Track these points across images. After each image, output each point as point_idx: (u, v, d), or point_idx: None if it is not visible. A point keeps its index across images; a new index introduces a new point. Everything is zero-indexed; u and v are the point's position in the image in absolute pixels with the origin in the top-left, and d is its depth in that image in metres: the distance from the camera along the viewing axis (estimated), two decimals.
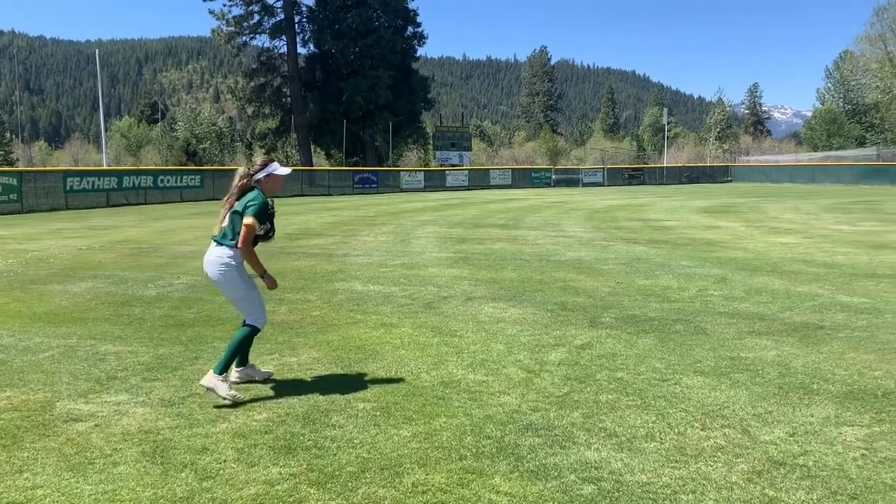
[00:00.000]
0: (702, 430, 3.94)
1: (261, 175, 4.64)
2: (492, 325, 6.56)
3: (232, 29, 50.45)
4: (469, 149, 56.10)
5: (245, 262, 4.62)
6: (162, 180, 31.90)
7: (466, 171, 48.07)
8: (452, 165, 50.11)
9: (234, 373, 4.80)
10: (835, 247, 12.57)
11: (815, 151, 73.90)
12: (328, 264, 10.72)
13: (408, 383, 4.82)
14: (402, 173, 44.90)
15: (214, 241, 4.63)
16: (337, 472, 3.43)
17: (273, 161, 4.76)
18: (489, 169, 52.75)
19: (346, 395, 4.57)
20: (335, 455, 3.64)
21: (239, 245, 4.47)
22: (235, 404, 4.38)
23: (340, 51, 50.36)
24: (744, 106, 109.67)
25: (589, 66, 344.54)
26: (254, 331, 4.67)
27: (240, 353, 4.66)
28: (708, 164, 68.01)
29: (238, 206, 4.54)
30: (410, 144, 61.10)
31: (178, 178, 33.00)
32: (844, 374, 4.97)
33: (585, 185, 51.19)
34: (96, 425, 4.09)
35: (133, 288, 8.72)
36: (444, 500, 3.15)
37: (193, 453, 3.68)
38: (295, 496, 3.20)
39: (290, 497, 3.19)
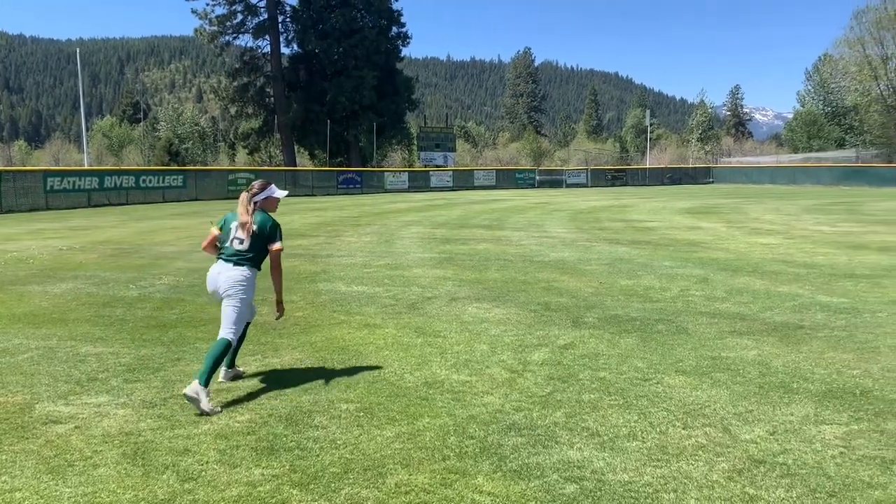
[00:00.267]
0: (683, 429, 3.97)
1: (260, 197, 4.92)
2: (475, 326, 6.57)
3: (215, 28, 50.13)
4: (453, 149, 56.14)
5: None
6: (144, 180, 31.66)
7: (451, 172, 48.10)
8: (437, 166, 50.14)
9: (221, 372, 4.94)
10: (815, 247, 12.71)
11: (795, 153, 74.65)
12: (312, 265, 10.69)
13: (391, 384, 4.82)
14: (386, 174, 44.86)
15: (232, 262, 4.77)
16: (320, 473, 3.42)
17: (271, 184, 5.06)
18: (473, 170, 52.77)
19: (330, 396, 4.56)
20: (318, 456, 3.63)
21: (273, 269, 4.85)
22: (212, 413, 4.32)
23: (324, 51, 50.20)
24: (725, 108, 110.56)
25: (572, 68, 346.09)
26: (227, 345, 4.70)
27: (220, 364, 4.65)
28: (690, 166, 68.47)
29: (258, 229, 4.78)
30: (395, 145, 61.06)
31: (161, 178, 32.76)
32: (824, 373, 5.02)
33: (569, 185, 51.38)
34: (76, 427, 4.05)
35: (114, 289, 8.65)
36: (427, 500, 3.16)
37: (175, 455, 3.66)
38: (277, 497, 3.19)
39: (272, 498, 3.18)
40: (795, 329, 6.37)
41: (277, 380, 4.95)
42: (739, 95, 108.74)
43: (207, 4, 49.68)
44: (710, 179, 59.15)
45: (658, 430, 3.96)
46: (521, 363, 5.31)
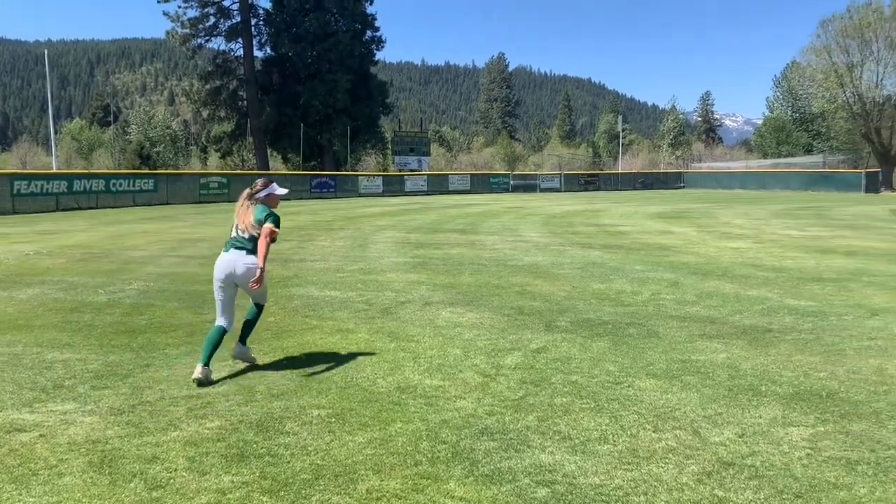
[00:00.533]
0: (653, 431, 4.01)
1: (262, 194, 5.44)
2: (449, 330, 6.57)
3: (187, 31, 49.70)
4: (428, 154, 56.13)
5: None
6: (114, 184, 31.19)
7: (425, 176, 48.11)
8: (411, 170, 50.10)
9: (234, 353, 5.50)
10: (783, 251, 12.90)
11: (764, 158, 75.90)
12: (284, 269, 10.62)
13: (363, 389, 4.80)
14: (360, 178, 44.73)
15: (245, 250, 5.25)
16: (290, 480, 3.39)
17: (272, 182, 5.62)
18: (448, 174, 52.87)
19: (301, 402, 4.53)
20: (289, 462, 3.60)
21: (261, 236, 5.19)
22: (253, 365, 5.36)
23: (298, 54, 49.99)
24: (696, 114, 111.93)
25: (546, 74, 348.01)
26: (262, 309, 5.60)
27: (255, 324, 5.53)
28: (662, 171, 69.22)
29: (257, 215, 5.29)
30: (369, 149, 60.99)
31: (132, 182, 32.32)
32: (791, 375, 5.10)
33: (543, 190, 51.66)
34: (41, 435, 3.97)
35: (83, 294, 8.51)
36: None
37: (143, 462, 3.61)
38: None
39: None
40: (764, 332, 6.46)
41: (248, 386, 4.91)
42: (710, 101, 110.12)
43: (179, 7, 49.24)
44: (682, 184, 59.84)
45: (629, 433, 3.99)
46: (493, 367, 5.31)
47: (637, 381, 4.95)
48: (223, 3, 50.03)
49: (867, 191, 47.71)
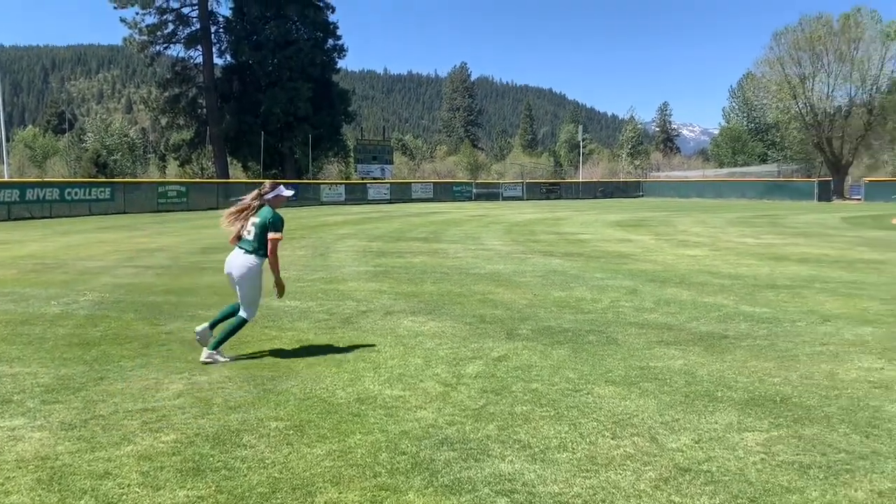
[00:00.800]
0: (612, 438, 4.04)
1: (269, 195, 5.90)
2: (410, 340, 6.55)
3: (145, 38, 48.99)
4: (391, 162, 56.08)
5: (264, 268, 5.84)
6: (69, 193, 30.56)
7: (388, 185, 48.08)
8: (374, 179, 50.00)
9: (198, 327, 5.91)
10: (739, 259, 13.15)
11: (721, 167, 77.49)
12: None
13: (323, 400, 4.75)
14: (322, 186, 44.47)
15: (243, 250, 5.75)
16: (247, 494, 3.34)
17: (280, 184, 6.07)
18: (411, 182, 52.87)
19: (259, 414, 4.46)
20: (245, 476, 3.54)
21: (269, 254, 5.72)
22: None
23: (258, 62, 49.59)
24: (654, 124, 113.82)
25: (508, 83, 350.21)
26: (244, 322, 5.82)
27: (231, 336, 5.78)
28: (621, 180, 70.23)
29: (259, 221, 5.76)
30: (331, 157, 60.65)
31: (87, 190, 31.70)
32: (746, 381, 5.19)
33: (505, 198, 51.97)
34: None
35: (34, 305, 8.29)
36: None
37: (94, 479, 3.52)
38: None
39: None
40: (720, 339, 6.57)
41: (205, 398, 4.82)
42: (668, 112, 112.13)
43: (137, 13, 48.51)
44: (640, 193, 60.74)
45: (588, 440, 4.01)
46: (454, 376, 5.31)
47: (596, 389, 4.99)
48: (182, 10, 49.47)
49: (820, 199, 48.98)
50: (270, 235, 5.70)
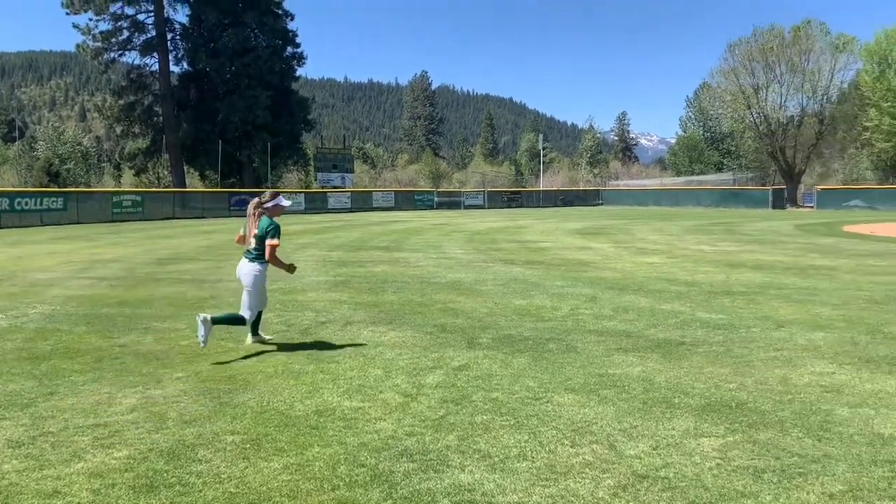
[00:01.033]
0: (571, 447, 4.05)
1: (269, 205, 6.41)
2: (370, 350, 6.51)
3: (99, 44, 48.04)
4: (351, 171, 55.88)
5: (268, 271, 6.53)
6: (20, 203, 29.77)
7: (349, 193, 47.86)
8: (334, 187, 49.72)
9: (249, 338, 6.70)
10: (696, 266, 13.37)
11: (678, 176, 78.94)
12: (199, 290, 10.31)
13: (280, 413, 4.68)
14: (281, 195, 44.03)
15: (248, 258, 6.39)
16: None
17: (279, 194, 6.59)
18: (372, 191, 52.76)
19: (215, 428, 4.38)
20: (200, 491, 3.46)
21: (267, 258, 6.31)
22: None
23: (216, 70, 49.00)
24: (613, 133, 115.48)
25: (469, 92, 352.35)
26: (244, 320, 6.41)
27: (225, 324, 6.42)
28: (581, 188, 71.03)
29: (259, 231, 6.30)
30: (290, 166, 60.17)
31: (39, 200, 30.91)
32: (703, 387, 5.26)
33: (467, 207, 52.12)
34: None
35: None
36: None
37: (43, 498, 3.40)
38: None
39: None
40: (677, 345, 6.66)
41: (159, 413, 4.71)
42: (626, 121, 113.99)
43: (91, 20, 47.53)
44: (600, 201, 61.49)
45: (547, 449, 4.02)
46: (415, 387, 5.28)
47: (556, 397, 5.01)
48: (137, 16, 48.65)
49: (774, 207, 50.12)
50: (268, 242, 6.24)
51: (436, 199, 52.64)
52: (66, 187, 46.00)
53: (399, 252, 16.50)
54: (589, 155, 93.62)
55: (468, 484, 3.54)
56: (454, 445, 4.08)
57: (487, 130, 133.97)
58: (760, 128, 58.64)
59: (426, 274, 12.23)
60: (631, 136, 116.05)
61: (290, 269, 6.59)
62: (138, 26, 48.76)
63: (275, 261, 6.34)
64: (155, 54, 49.43)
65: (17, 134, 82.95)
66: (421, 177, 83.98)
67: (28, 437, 4.26)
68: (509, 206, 54.58)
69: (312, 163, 57.64)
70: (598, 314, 8.28)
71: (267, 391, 5.18)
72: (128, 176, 63.63)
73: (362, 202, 47.16)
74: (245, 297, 6.39)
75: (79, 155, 65.09)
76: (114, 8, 47.27)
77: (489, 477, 3.62)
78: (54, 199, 31.92)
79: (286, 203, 6.58)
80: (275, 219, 6.45)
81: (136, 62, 49.92)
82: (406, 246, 18.32)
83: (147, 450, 4.03)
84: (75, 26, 47.51)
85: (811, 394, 5.08)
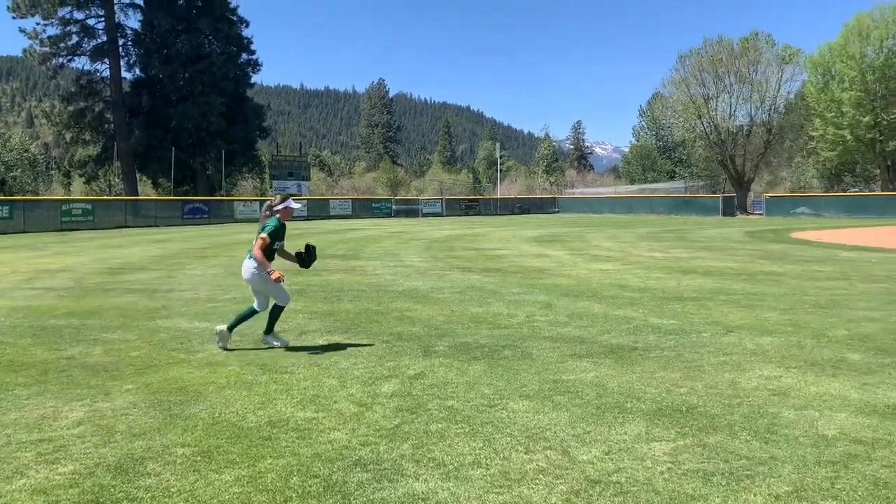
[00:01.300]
0: (525, 453, 4.07)
1: (279, 207, 6.66)
2: (325, 360, 6.45)
3: (47, 49, 46.97)
4: (308, 178, 55.51)
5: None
6: None
7: (305, 201, 47.45)
8: (290, 195, 49.23)
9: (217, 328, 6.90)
10: (648, 272, 13.58)
11: (632, 184, 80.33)
12: (151, 300, 10.11)
13: (232, 425, 4.61)
14: (236, 203, 43.58)
15: (248, 257, 6.62)
16: None
17: (289, 198, 6.86)
18: (329, 199, 52.45)
19: (164, 441, 4.29)
20: None
21: (254, 252, 6.49)
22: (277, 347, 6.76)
23: (169, 76, 48.27)
24: (569, 141, 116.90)
25: (426, 100, 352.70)
26: (281, 309, 6.82)
27: (243, 321, 6.81)
28: (538, 196, 71.76)
29: (260, 230, 6.55)
30: (245, 173, 59.57)
31: None
32: (654, 392, 5.34)
33: (425, 215, 52.18)
34: None
35: None
36: None
37: None
38: None
39: None
40: (630, 350, 6.75)
41: (107, 426, 4.60)
42: (581, 130, 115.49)
43: (38, 24, 46.41)
44: (556, 209, 62.16)
45: (501, 455, 4.04)
46: (369, 396, 5.25)
47: (511, 403, 5.03)
48: (87, 21, 47.70)
49: (724, 214, 51.32)
50: (260, 234, 6.48)
51: (394, 206, 52.62)
52: (12, 195, 44.71)
53: (356, 260, 16.43)
54: (545, 163, 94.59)
55: (422, 493, 3.53)
56: (409, 454, 4.07)
57: (445, 138, 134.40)
58: (711, 137, 60.00)
59: (383, 282, 12.20)
60: (586, 144, 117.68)
61: (274, 273, 6.57)
62: (88, 31, 47.82)
63: (259, 255, 6.47)
64: (106, 60, 48.54)
65: None
66: (379, 185, 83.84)
67: None
68: (467, 214, 54.80)
69: (268, 170, 57.06)
70: (553, 321, 8.35)
71: (219, 402, 5.10)
72: (78, 184, 62.17)
73: (319, 210, 46.83)
74: (264, 291, 6.70)
75: (26, 162, 63.38)
76: (62, 12, 46.28)
77: (443, 485, 3.62)
78: (0, 207, 31.01)
79: (296, 206, 6.87)
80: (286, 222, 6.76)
81: (87, 68, 49.04)
82: (363, 254, 18.24)
83: (93, 464, 3.93)
84: (22, 30, 46.38)
85: (759, 397, 5.19)
